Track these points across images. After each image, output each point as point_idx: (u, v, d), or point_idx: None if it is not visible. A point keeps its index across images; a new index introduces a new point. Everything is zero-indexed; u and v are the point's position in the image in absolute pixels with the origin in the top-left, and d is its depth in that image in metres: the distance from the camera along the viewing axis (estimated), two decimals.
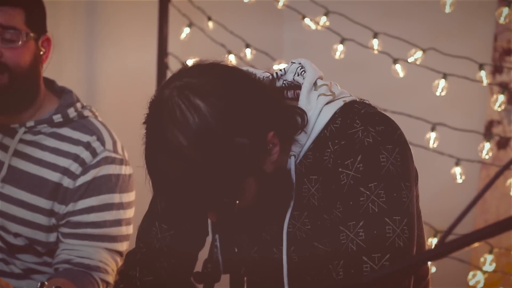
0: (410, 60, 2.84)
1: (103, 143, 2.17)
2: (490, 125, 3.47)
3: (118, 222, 2.17)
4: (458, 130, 2.87)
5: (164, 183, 1.51)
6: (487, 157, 2.88)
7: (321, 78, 1.68)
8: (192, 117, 1.46)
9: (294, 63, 1.70)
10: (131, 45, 3.33)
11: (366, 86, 3.53)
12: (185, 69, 1.55)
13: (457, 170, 2.85)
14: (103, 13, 3.27)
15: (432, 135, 2.89)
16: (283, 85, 1.69)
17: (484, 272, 2.74)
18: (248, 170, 1.50)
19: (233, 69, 1.57)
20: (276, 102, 1.57)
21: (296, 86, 1.68)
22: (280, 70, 1.70)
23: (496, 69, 3.41)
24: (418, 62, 2.85)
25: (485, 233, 1.26)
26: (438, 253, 1.22)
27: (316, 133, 1.61)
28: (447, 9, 2.80)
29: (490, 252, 2.80)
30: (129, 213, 2.21)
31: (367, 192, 1.55)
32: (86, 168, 2.15)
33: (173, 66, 3.22)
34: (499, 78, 3.45)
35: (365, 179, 1.55)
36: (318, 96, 1.63)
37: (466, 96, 3.39)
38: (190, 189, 1.48)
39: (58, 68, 3.09)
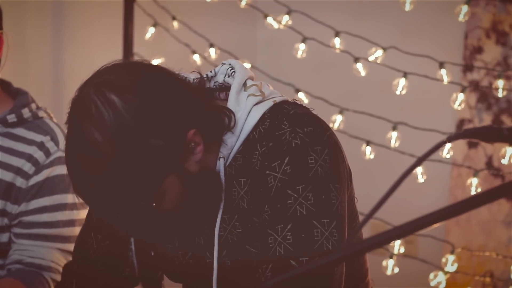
0: (370, 58, 2.81)
1: (57, 143, 2.15)
2: (461, 123, 3.45)
3: (71, 223, 2.16)
4: (419, 129, 2.85)
5: (81, 182, 1.48)
6: (448, 156, 2.85)
7: (251, 78, 1.66)
8: (107, 112, 1.43)
9: (225, 64, 1.68)
10: (97, 45, 3.32)
11: (342, 85, 3.51)
12: (105, 67, 1.52)
13: (418, 169, 2.82)
14: (69, 13, 3.26)
15: (394, 134, 2.87)
16: (214, 86, 1.67)
17: (446, 273, 2.71)
18: (167, 168, 1.48)
19: (153, 67, 1.55)
20: (199, 101, 1.54)
21: (227, 88, 1.65)
22: (211, 71, 1.68)
23: (467, 68, 3.39)
24: (378, 61, 2.82)
25: (397, 234, 1.23)
26: (343, 256, 1.19)
27: (245, 135, 1.58)
28: (407, 7, 2.77)
29: (452, 253, 2.77)
30: (83, 213, 2.18)
31: (295, 195, 1.52)
32: (39, 168, 2.12)
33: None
34: (470, 76, 3.43)
35: (293, 182, 1.52)
36: (248, 96, 1.60)
37: (438, 95, 3.37)
38: (106, 187, 1.45)
39: (25, 68, 3.07)
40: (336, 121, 2.96)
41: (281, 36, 3.26)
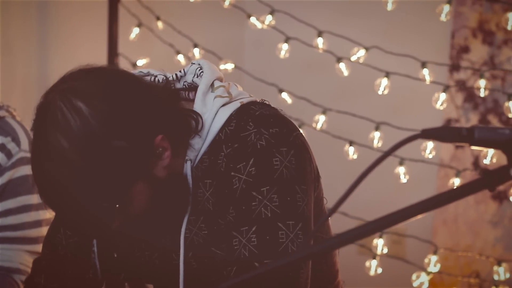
0: (353, 58, 2.80)
1: (18, 143, 2.11)
2: (448, 123, 3.43)
3: (38, 223, 2.13)
4: (401, 129, 2.83)
5: (48, 189, 1.48)
6: (430, 156, 2.84)
7: (219, 79, 1.64)
8: (74, 119, 1.43)
9: (194, 64, 1.66)
10: (82, 46, 3.31)
11: (330, 84, 3.50)
12: (70, 73, 1.52)
13: (401, 169, 2.81)
14: (54, 14, 3.25)
15: (376, 134, 2.86)
16: (184, 86, 1.65)
17: (429, 273, 2.70)
18: (135, 174, 1.47)
19: (119, 72, 1.55)
20: (166, 105, 1.54)
21: (196, 88, 1.63)
22: (180, 71, 1.67)
23: (454, 67, 3.38)
24: (361, 61, 2.81)
25: (354, 235, 1.23)
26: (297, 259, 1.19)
27: (212, 137, 1.57)
28: (389, 7, 2.76)
29: (435, 253, 2.76)
30: (50, 213, 2.16)
31: (259, 197, 1.51)
32: (1, 170, 2.09)
33: (124, 66, 3.20)
34: (457, 76, 3.41)
35: (257, 183, 1.51)
36: (214, 98, 1.59)
37: (425, 94, 3.36)
38: (74, 195, 1.45)
39: (10, 69, 3.06)
40: (319, 121, 2.95)
41: (269, 36, 3.25)
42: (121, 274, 1.54)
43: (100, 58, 3.25)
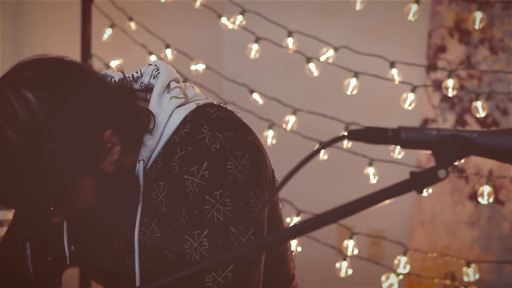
0: (322, 58, 2.79)
1: None
2: (425, 123, 3.42)
3: (3, 222, 2.14)
4: None
5: None
6: (399, 156, 2.82)
7: (176, 80, 1.63)
8: (21, 110, 1.40)
9: (151, 65, 1.65)
10: (56, 46, 3.28)
11: (309, 85, 3.48)
12: (23, 62, 1.49)
13: (370, 170, 2.79)
14: (28, 14, 3.24)
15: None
16: (140, 87, 1.64)
17: (398, 275, 2.68)
18: (82, 168, 1.45)
19: (73, 64, 1.51)
20: (118, 101, 1.51)
21: (153, 89, 1.61)
22: (136, 72, 1.65)
23: (431, 67, 3.37)
24: (330, 61, 2.79)
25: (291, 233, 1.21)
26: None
27: (166, 138, 1.56)
28: (358, 7, 2.74)
29: (404, 254, 2.74)
30: (10, 213, 2.17)
31: (212, 200, 1.49)
32: None
33: (97, 67, 3.18)
34: (434, 75, 3.40)
35: (211, 187, 1.50)
36: (170, 98, 1.58)
37: (402, 95, 3.35)
38: (20, 185, 1.42)
39: None
40: (289, 122, 2.93)
41: (249, 37, 3.23)
42: (56, 278, 1.52)
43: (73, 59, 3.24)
